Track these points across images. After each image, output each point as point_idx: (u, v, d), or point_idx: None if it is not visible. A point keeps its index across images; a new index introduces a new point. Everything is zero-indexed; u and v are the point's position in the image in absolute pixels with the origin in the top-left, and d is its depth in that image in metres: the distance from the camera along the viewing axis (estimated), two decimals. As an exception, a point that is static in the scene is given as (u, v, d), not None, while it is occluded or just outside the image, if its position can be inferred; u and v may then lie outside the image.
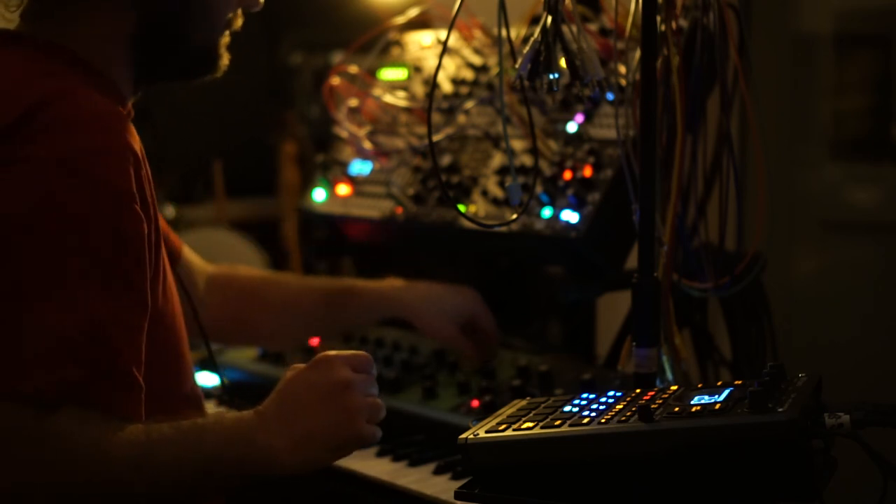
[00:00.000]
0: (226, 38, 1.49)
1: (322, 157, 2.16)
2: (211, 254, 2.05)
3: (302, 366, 1.36)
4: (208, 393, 2.01)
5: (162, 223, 1.78)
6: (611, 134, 1.77)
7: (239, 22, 1.51)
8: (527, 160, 1.86)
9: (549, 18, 1.40)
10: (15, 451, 1.19)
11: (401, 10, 2.18)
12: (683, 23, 1.68)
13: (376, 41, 2.16)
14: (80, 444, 1.21)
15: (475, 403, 1.72)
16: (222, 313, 1.90)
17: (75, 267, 1.23)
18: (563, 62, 1.42)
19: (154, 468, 1.25)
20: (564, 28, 1.41)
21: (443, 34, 2.08)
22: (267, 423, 1.31)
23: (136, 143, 1.33)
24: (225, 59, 1.50)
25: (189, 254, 1.85)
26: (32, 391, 1.20)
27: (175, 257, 1.78)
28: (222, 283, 1.93)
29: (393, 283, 1.96)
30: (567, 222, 1.75)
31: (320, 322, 1.98)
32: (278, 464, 1.30)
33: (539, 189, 1.79)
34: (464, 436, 1.27)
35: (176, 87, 1.59)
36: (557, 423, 1.23)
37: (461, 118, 1.99)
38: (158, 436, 1.26)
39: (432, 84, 1.63)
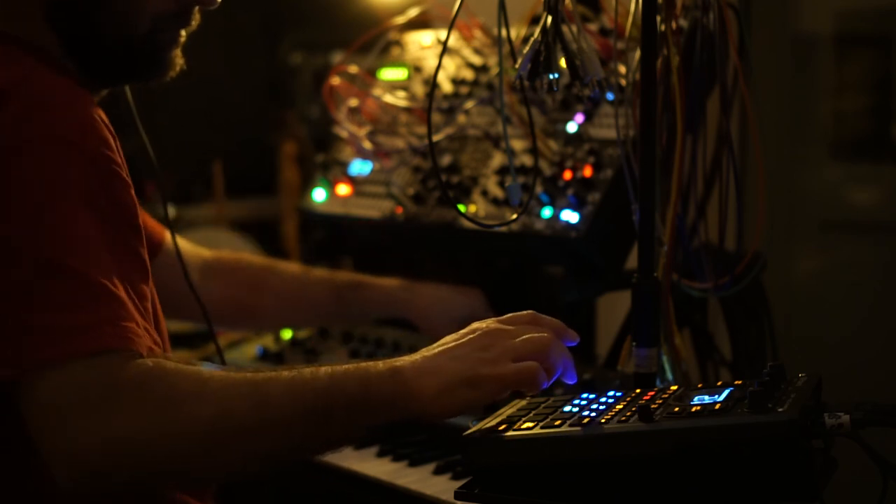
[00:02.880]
0: (180, 38, 1.43)
1: (322, 157, 2.16)
2: (211, 254, 2.05)
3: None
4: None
5: (141, 214, 1.78)
6: (611, 134, 1.77)
7: (195, 22, 1.43)
8: (527, 160, 1.86)
9: (549, 18, 1.40)
10: (125, 399, 1.16)
11: (401, 10, 2.18)
12: (683, 23, 1.68)
13: (376, 41, 2.16)
14: (182, 378, 1.19)
15: (475, 403, 1.72)
16: (224, 299, 1.90)
17: (91, 233, 1.21)
18: (563, 62, 1.42)
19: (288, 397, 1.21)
20: (564, 28, 1.41)
21: (443, 34, 2.08)
22: (410, 367, 1.25)
23: (105, 118, 1.30)
24: (178, 60, 1.43)
25: (180, 241, 1.85)
26: (109, 345, 1.17)
27: (155, 247, 1.77)
28: (224, 269, 1.94)
29: (400, 284, 1.98)
30: (567, 222, 1.75)
31: (325, 314, 2.01)
32: (423, 408, 1.23)
33: (539, 189, 1.79)
34: (464, 436, 1.27)
35: (121, 88, 1.52)
36: (557, 423, 1.23)
37: (461, 118, 1.99)
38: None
39: (432, 84, 1.63)
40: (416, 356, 1.28)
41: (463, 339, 1.29)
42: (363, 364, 1.26)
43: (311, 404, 1.22)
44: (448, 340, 1.30)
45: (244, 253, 2.02)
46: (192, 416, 1.18)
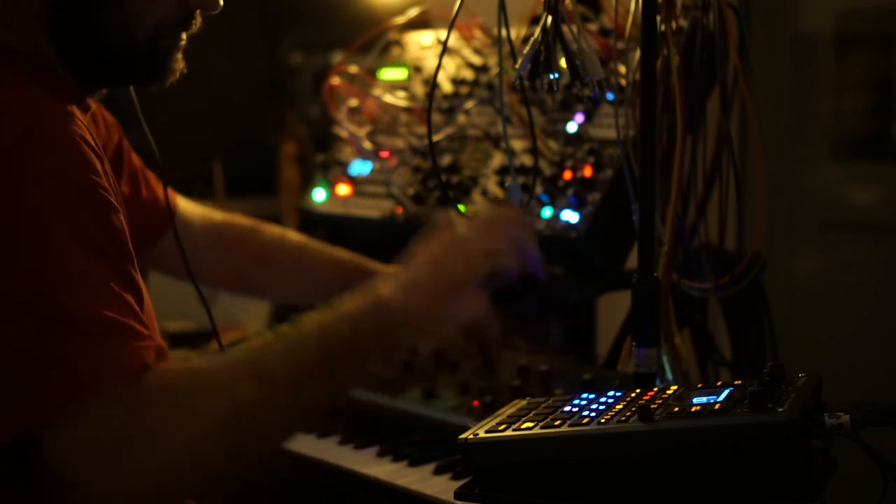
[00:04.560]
0: (181, 42, 1.41)
1: (322, 157, 2.16)
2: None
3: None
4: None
5: (152, 180, 1.78)
6: (611, 134, 1.77)
7: (196, 25, 1.42)
8: (527, 160, 1.86)
9: (549, 18, 1.40)
10: (143, 428, 1.17)
11: (401, 10, 2.18)
12: (683, 23, 1.68)
13: (376, 41, 2.16)
14: (182, 384, 1.20)
15: (475, 403, 1.72)
16: (228, 268, 1.90)
17: (87, 265, 1.20)
18: (563, 62, 1.42)
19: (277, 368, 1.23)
20: (564, 28, 1.41)
21: (443, 34, 2.08)
22: (394, 293, 1.30)
23: (90, 137, 1.27)
24: (178, 65, 1.41)
25: (187, 204, 1.85)
26: (118, 379, 1.17)
27: (165, 219, 1.76)
28: (232, 238, 1.93)
29: None
30: (567, 222, 1.75)
31: (327, 294, 1.99)
32: (418, 326, 1.30)
33: (539, 189, 1.79)
34: (464, 436, 1.26)
35: (123, 91, 1.50)
36: (557, 423, 1.23)
37: (461, 118, 1.99)
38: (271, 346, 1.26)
39: (432, 84, 1.63)
40: (394, 277, 1.33)
41: (435, 247, 1.36)
42: (345, 305, 1.30)
43: (313, 362, 1.24)
44: (419, 252, 1.36)
45: (255, 222, 2.00)
46: (209, 418, 1.19)
